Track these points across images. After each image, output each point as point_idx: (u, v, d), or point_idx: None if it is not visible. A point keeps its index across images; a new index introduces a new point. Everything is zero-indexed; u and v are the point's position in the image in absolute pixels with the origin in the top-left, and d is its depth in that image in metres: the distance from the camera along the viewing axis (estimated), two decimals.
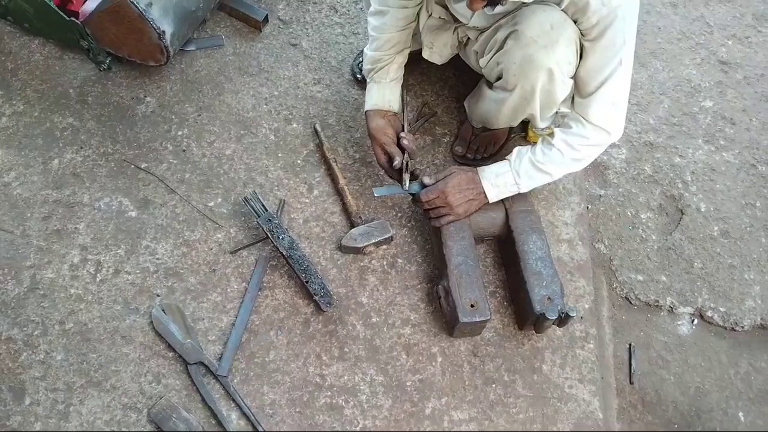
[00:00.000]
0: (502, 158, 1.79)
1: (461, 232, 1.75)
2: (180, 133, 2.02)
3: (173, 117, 2.05)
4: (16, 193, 1.87)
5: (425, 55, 1.94)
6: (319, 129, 2.02)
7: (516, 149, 1.74)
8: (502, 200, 1.80)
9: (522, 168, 1.71)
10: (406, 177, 1.79)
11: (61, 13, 1.97)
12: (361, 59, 2.06)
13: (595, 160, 2.18)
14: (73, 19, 1.98)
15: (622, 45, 1.54)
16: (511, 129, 2.06)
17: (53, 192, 1.88)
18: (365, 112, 1.87)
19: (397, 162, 1.77)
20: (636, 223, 2.11)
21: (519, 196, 1.80)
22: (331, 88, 2.16)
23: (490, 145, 2.03)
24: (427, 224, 1.90)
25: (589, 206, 2.12)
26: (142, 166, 1.94)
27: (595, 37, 1.54)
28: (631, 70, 1.61)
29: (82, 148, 1.96)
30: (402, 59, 1.89)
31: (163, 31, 1.91)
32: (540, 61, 1.57)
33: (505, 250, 1.85)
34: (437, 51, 1.91)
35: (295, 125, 2.07)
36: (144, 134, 2.01)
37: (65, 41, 2.11)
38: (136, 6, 1.83)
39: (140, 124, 2.02)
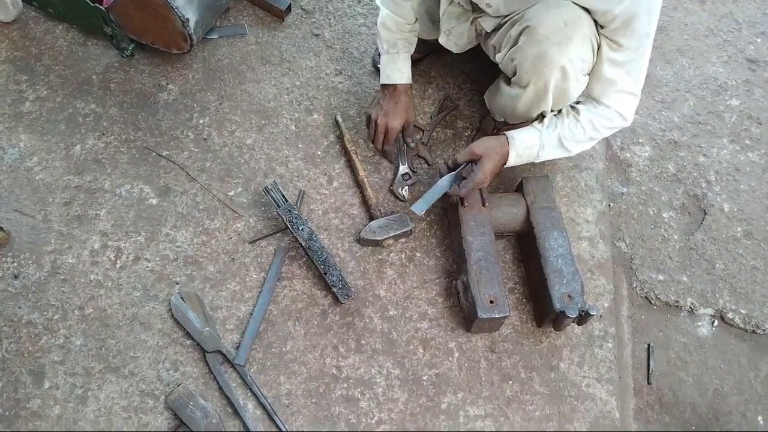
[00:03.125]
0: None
1: (481, 227, 1.74)
2: (201, 121, 2.02)
3: (195, 105, 2.05)
4: (38, 178, 1.88)
5: (441, 41, 1.93)
6: (340, 120, 2.01)
7: (549, 118, 1.72)
8: (524, 196, 1.79)
9: (549, 141, 1.71)
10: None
11: None
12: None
13: (618, 157, 2.18)
14: (97, 5, 1.98)
15: (645, 37, 1.53)
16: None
17: (75, 178, 1.89)
18: (398, 84, 1.88)
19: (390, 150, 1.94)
20: (658, 222, 2.09)
21: (541, 193, 1.78)
22: (353, 79, 2.15)
23: None
24: (447, 218, 1.89)
25: (611, 204, 2.09)
26: (164, 154, 1.95)
27: (617, 28, 1.52)
28: (648, 59, 1.62)
29: (104, 134, 1.97)
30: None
31: (187, 19, 1.90)
32: (552, 58, 1.56)
33: (525, 247, 1.84)
34: (453, 39, 1.91)
35: (316, 116, 2.07)
36: (166, 122, 2.01)
37: (89, 27, 2.12)
38: None
39: (162, 112, 2.03)
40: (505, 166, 1.73)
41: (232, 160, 1.96)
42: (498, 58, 1.75)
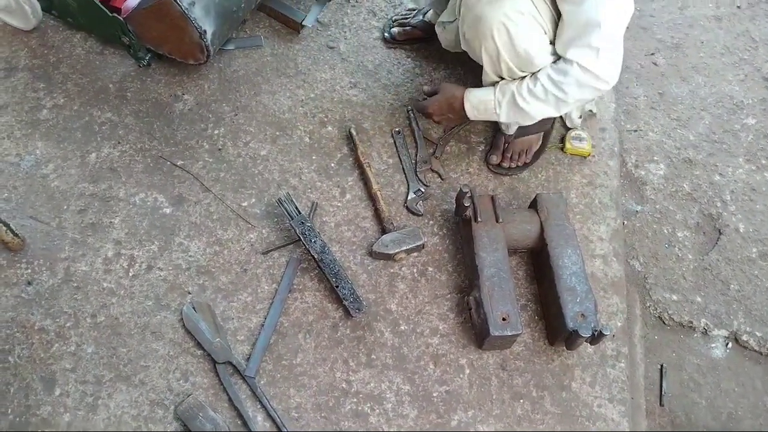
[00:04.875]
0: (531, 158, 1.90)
1: (494, 243, 1.73)
2: (216, 132, 2.03)
3: (210, 116, 2.06)
4: (54, 185, 1.89)
5: (438, 30, 2.03)
6: (353, 133, 2.02)
7: (507, 80, 1.75)
8: (537, 212, 1.78)
9: (505, 99, 1.75)
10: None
11: (104, 9, 2.00)
12: (392, 22, 2.27)
13: (633, 174, 2.16)
14: (115, 15, 2.00)
15: None
16: (545, 138, 2.04)
17: (90, 185, 1.90)
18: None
19: None
20: (672, 241, 2.07)
21: (555, 209, 1.78)
22: (367, 92, 2.15)
23: (523, 153, 2.01)
24: (459, 233, 1.89)
25: (625, 222, 2.08)
26: (178, 164, 1.95)
27: None
28: (620, 16, 1.57)
29: (119, 143, 1.98)
30: None
31: (205, 31, 1.92)
32: (488, 17, 1.60)
33: (538, 264, 1.83)
34: (445, 34, 2.01)
35: (330, 128, 2.07)
36: (181, 132, 2.02)
37: (107, 37, 2.13)
38: (179, 4, 1.84)
39: (177, 122, 2.04)
40: (466, 120, 1.89)
41: (246, 170, 1.96)
42: (462, 45, 1.79)
